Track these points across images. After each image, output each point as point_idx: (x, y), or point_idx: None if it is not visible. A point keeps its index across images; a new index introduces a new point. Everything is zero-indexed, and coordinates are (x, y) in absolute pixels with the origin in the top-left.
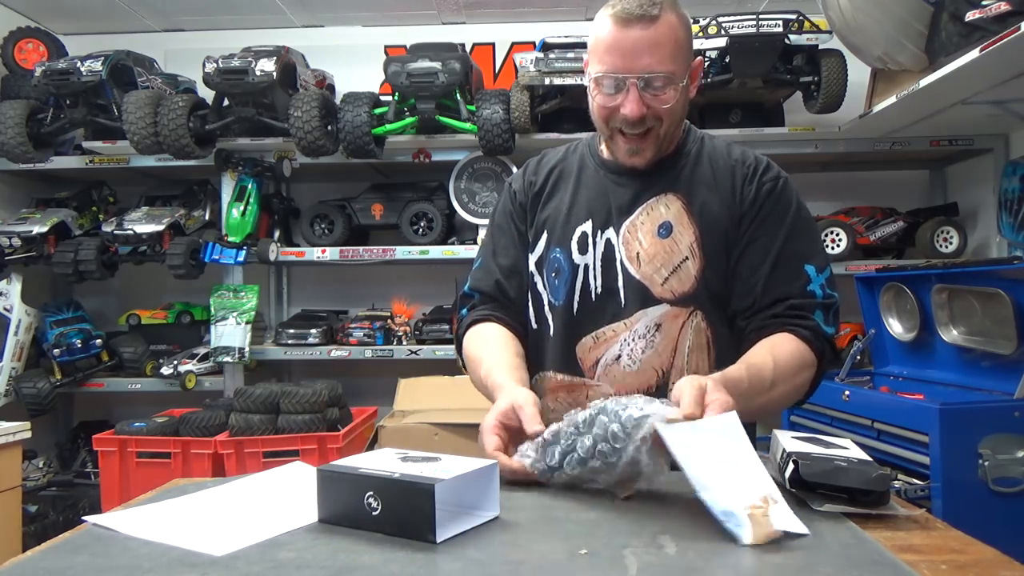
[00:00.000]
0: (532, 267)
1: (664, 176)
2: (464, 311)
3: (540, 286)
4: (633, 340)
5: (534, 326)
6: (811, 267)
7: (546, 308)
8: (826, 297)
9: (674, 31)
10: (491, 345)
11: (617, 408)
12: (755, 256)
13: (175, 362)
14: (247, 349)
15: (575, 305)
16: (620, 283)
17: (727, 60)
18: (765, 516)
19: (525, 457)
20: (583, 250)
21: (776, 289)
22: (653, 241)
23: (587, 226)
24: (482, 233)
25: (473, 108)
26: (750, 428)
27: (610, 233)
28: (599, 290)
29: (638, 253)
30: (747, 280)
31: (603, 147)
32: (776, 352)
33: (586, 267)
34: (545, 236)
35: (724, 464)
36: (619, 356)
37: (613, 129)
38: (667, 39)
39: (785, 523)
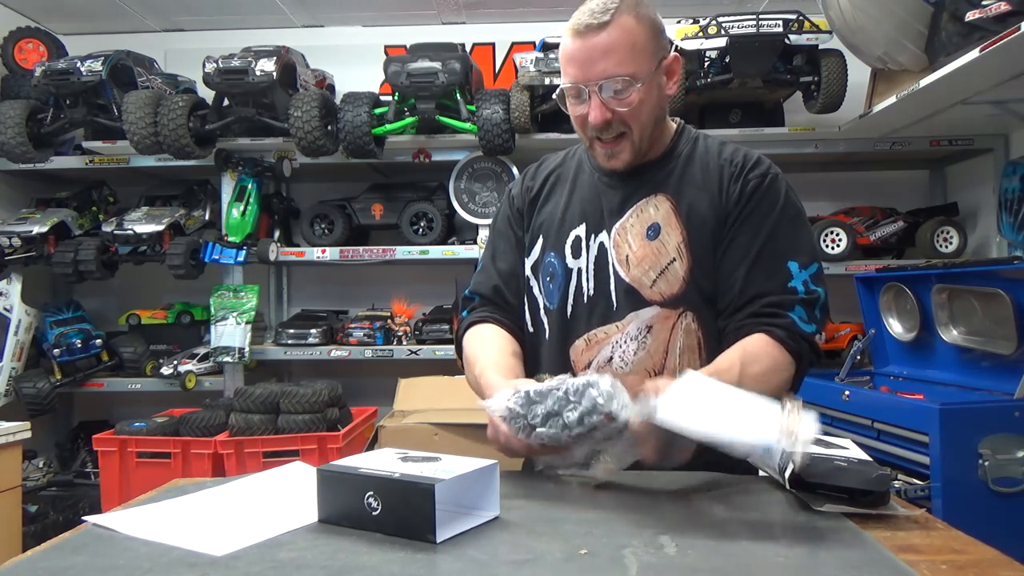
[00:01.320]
0: (528, 271)
1: (654, 178)
2: (465, 313)
3: (536, 290)
4: (625, 342)
5: (530, 329)
6: (794, 263)
7: (541, 312)
8: (808, 293)
9: (629, 33)
10: (486, 346)
11: (608, 387)
12: (736, 254)
13: (175, 362)
14: (247, 349)
15: (568, 308)
16: (612, 286)
17: (727, 60)
18: (793, 419)
19: (507, 407)
20: (576, 254)
21: (754, 287)
22: (642, 243)
23: (580, 230)
24: (482, 233)
25: (473, 108)
26: None
27: (603, 237)
28: (591, 293)
29: (627, 256)
30: (727, 278)
31: None
32: (746, 358)
33: (579, 271)
34: (541, 240)
35: (731, 411)
36: (611, 358)
37: (590, 137)
38: (621, 42)
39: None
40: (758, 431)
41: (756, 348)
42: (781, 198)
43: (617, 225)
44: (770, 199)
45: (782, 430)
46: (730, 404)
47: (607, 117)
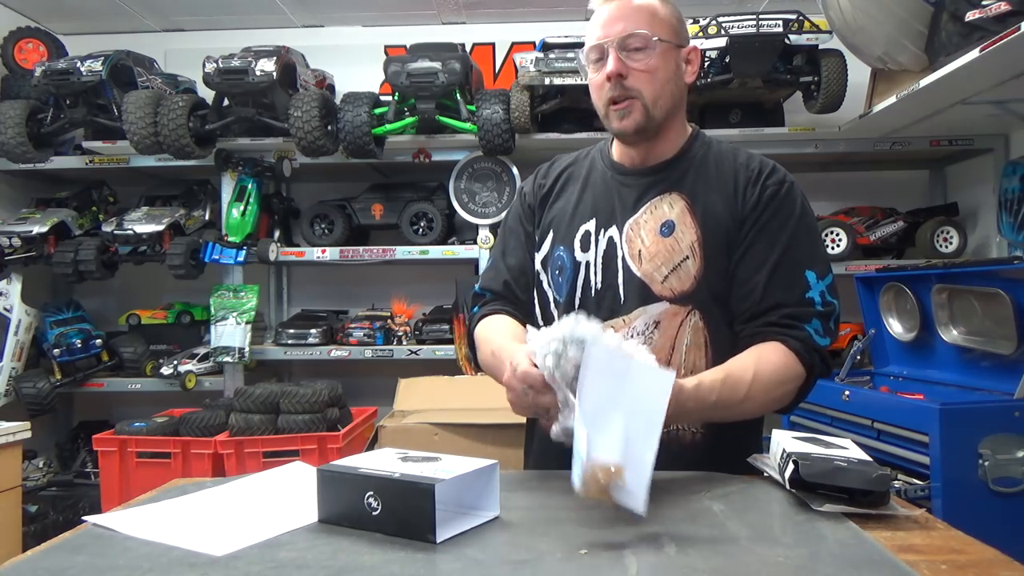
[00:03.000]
0: (538, 266)
1: (669, 176)
2: (476, 309)
3: (545, 284)
4: (631, 337)
5: (540, 323)
6: (811, 273)
7: (551, 305)
8: (825, 305)
9: (651, 5)
10: (500, 331)
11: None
12: (754, 261)
13: (175, 362)
14: (247, 349)
15: (576, 302)
16: (620, 280)
17: (727, 60)
18: (601, 483)
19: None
20: (585, 248)
21: (774, 295)
22: (655, 239)
23: (590, 225)
24: (482, 233)
25: (473, 108)
26: (756, 426)
27: (613, 231)
28: (599, 287)
29: (640, 251)
30: (745, 284)
31: (613, 148)
32: (760, 364)
33: (587, 264)
34: (551, 235)
35: (616, 414)
36: None
37: (605, 101)
38: (643, 8)
39: (625, 499)
40: (585, 445)
41: (771, 355)
42: (798, 207)
43: (631, 221)
44: (787, 207)
45: (590, 470)
46: (622, 413)
47: (622, 71)
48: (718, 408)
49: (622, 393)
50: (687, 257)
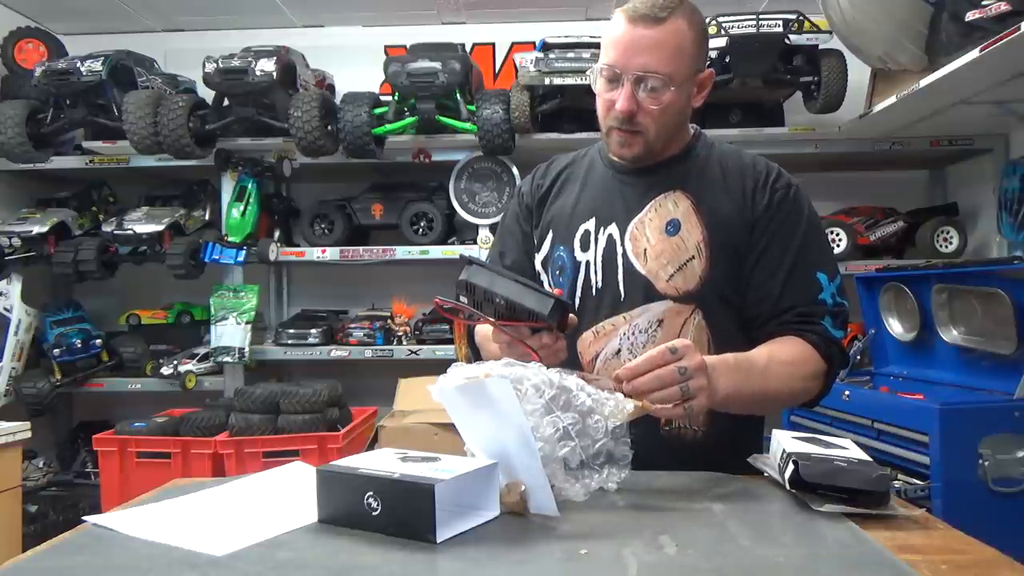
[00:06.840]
0: (538, 266)
1: (672, 174)
2: None
3: (546, 285)
4: (633, 335)
5: None
6: (823, 275)
7: None
8: (835, 305)
9: (679, 36)
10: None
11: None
12: (768, 266)
13: (175, 362)
14: (247, 349)
15: (576, 301)
16: (620, 277)
17: (727, 60)
18: (510, 500)
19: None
20: (585, 247)
21: (789, 298)
22: (660, 238)
23: (590, 224)
24: (482, 233)
25: (473, 108)
26: (757, 426)
27: (612, 229)
28: (599, 285)
29: (645, 250)
30: (761, 288)
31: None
32: (773, 346)
33: (587, 264)
34: (550, 235)
35: (496, 434)
36: (619, 350)
37: (609, 125)
38: (670, 42)
39: (537, 507)
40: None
41: (784, 342)
42: (806, 210)
43: (635, 220)
44: (796, 211)
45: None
46: (500, 432)
47: (632, 109)
48: (744, 378)
49: (490, 415)
50: (693, 256)
